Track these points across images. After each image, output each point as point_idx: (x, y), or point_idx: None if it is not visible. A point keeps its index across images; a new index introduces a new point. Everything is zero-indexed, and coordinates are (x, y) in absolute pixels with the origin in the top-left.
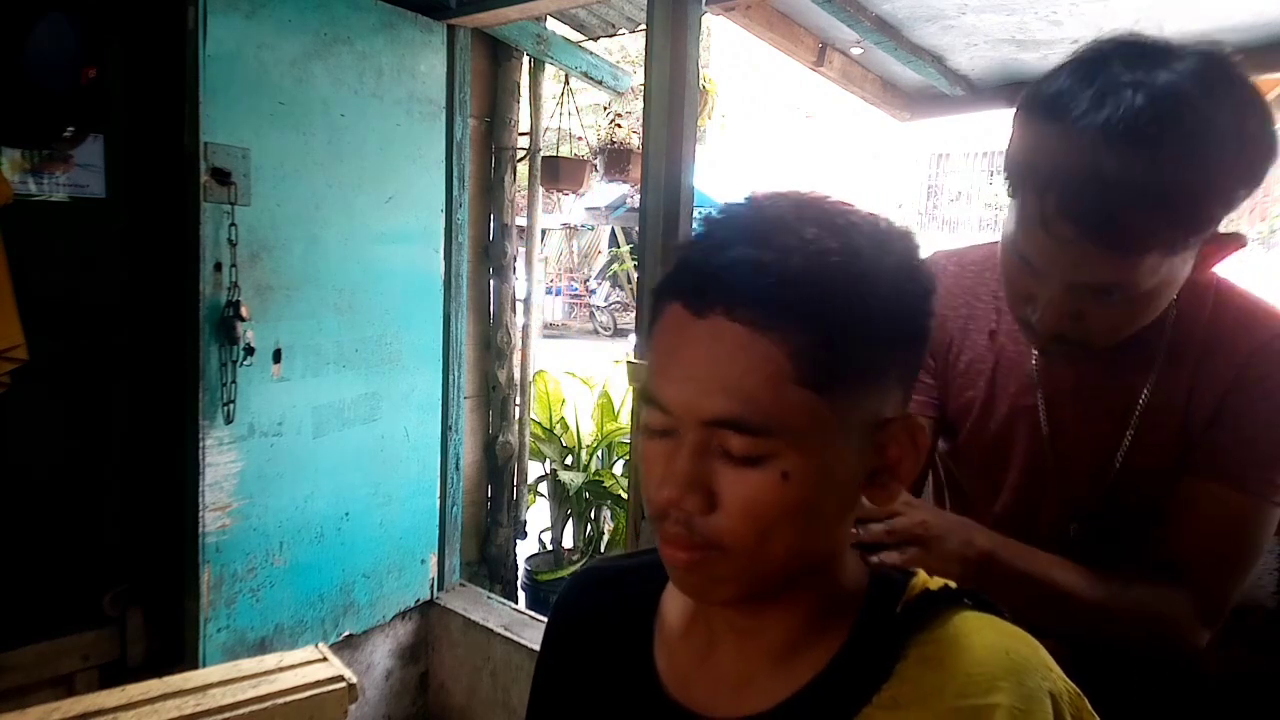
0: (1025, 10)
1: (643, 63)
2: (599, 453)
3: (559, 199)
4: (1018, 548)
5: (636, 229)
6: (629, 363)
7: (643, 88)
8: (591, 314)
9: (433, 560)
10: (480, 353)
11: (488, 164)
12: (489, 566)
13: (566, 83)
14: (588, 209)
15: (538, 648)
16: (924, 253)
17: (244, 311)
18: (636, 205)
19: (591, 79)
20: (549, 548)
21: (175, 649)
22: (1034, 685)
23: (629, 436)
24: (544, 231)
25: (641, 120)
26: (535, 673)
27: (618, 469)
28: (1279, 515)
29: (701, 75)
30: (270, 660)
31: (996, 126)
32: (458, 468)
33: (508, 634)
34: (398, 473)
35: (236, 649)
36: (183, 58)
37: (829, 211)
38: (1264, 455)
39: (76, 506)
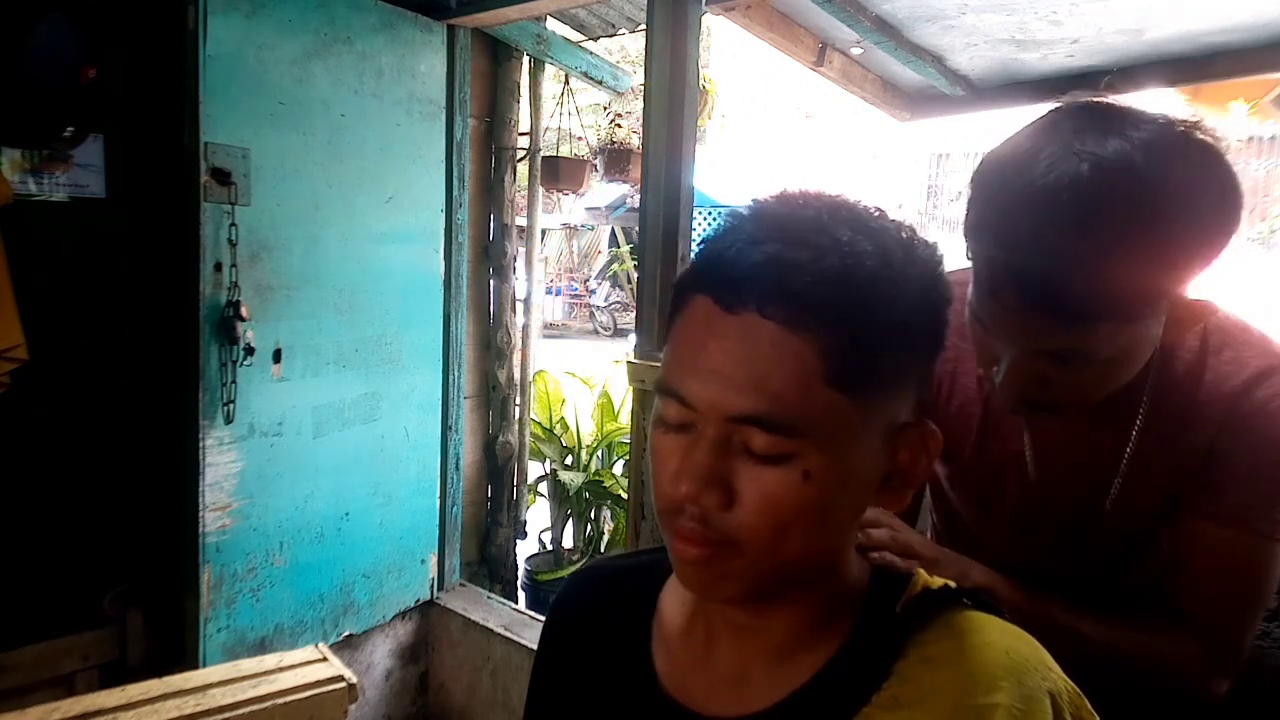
0: (1025, 10)
1: (643, 63)
2: (599, 453)
3: (559, 199)
4: (1015, 585)
5: (636, 229)
6: (629, 363)
7: (643, 88)
8: (591, 314)
9: (433, 560)
10: (480, 353)
11: (488, 164)
12: (489, 566)
13: (566, 83)
14: (588, 209)
15: (537, 647)
16: (944, 262)
17: (244, 311)
18: (636, 205)
19: (591, 79)
20: (549, 548)
21: (175, 649)
22: (1034, 684)
23: (629, 436)
24: (544, 231)
25: (641, 120)
26: (533, 671)
27: (618, 469)
28: None
29: (701, 75)
30: (270, 660)
31: (996, 126)
32: (458, 468)
33: (508, 634)
34: (398, 473)
35: (236, 649)
36: (183, 58)
37: (861, 215)
38: (1263, 493)
39: (76, 506)
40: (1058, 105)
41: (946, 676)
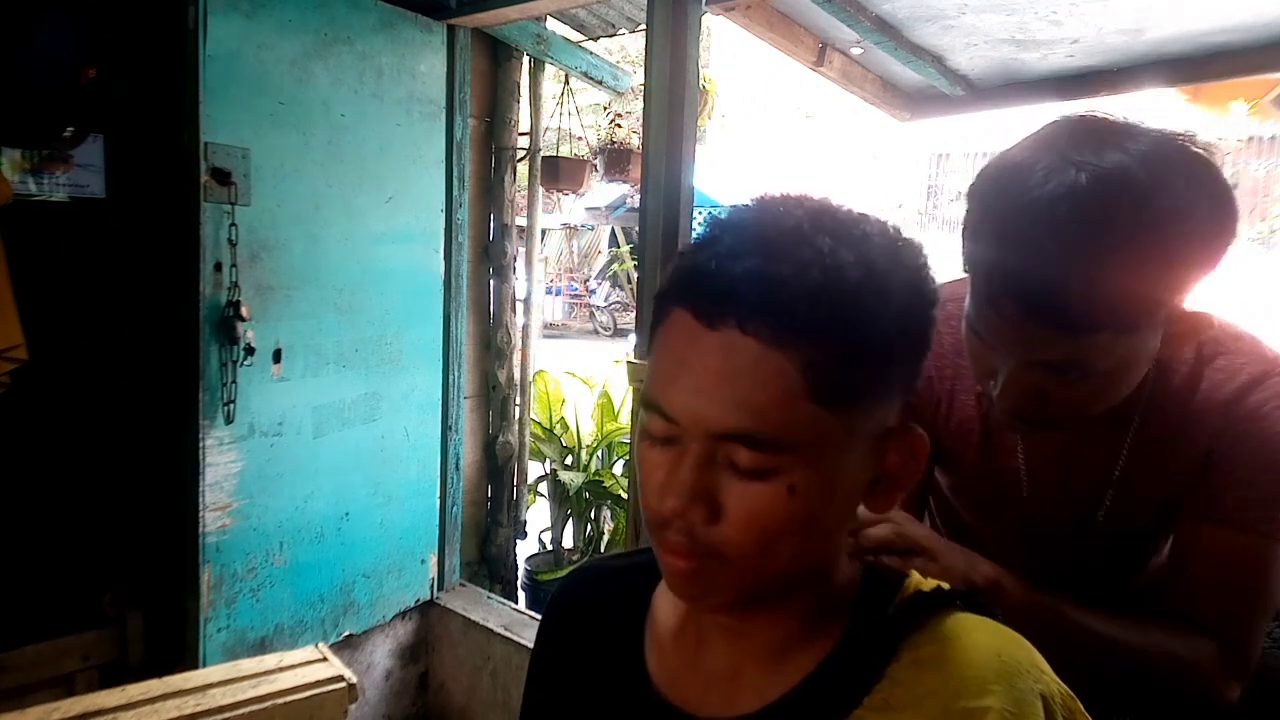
0: (1025, 10)
1: (643, 63)
2: (599, 453)
3: (559, 199)
4: (1022, 581)
5: (636, 229)
6: (629, 363)
7: (643, 88)
8: (591, 314)
9: (433, 560)
10: (480, 353)
11: (488, 164)
12: (489, 566)
13: (566, 83)
14: (588, 209)
15: (533, 646)
16: (931, 261)
17: (244, 311)
18: (636, 205)
19: (591, 79)
20: (549, 548)
21: (175, 649)
22: (1025, 687)
23: (629, 436)
24: (544, 231)
25: (641, 120)
26: (529, 669)
27: (618, 469)
28: None
29: (701, 75)
30: (270, 660)
31: (996, 126)
32: (458, 468)
33: (508, 634)
34: (398, 473)
35: (236, 649)
36: (183, 58)
37: (843, 222)
38: (1263, 494)
39: (77, 506)
40: (1055, 118)
41: (938, 679)
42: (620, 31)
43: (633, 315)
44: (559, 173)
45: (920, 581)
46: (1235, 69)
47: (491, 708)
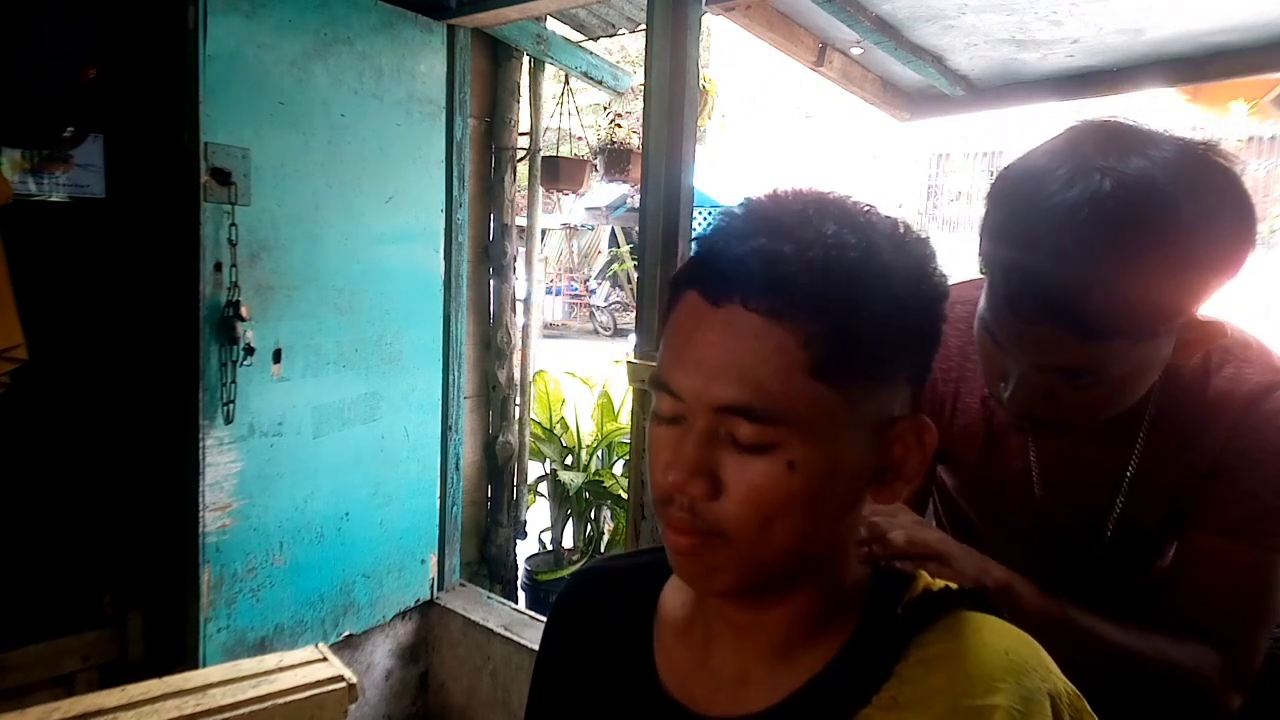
0: (1025, 10)
1: (643, 63)
2: (599, 453)
3: (559, 199)
4: (1034, 585)
5: (636, 229)
6: (629, 363)
7: (643, 88)
8: (591, 314)
9: (433, 560)
10: (480, 353)
11: (488, 164)
12: (489, 566)
13: (566, 83)
14: (588, 209)
15: (538, 647)
16: (941, 259)
17: (244, 311)
18: (636, 205)
19: (591, 79)
20: (549, 548)
21: (175, 649)
22: (1033, 686)
23: (629, 437)
24: (544, 231)
25: (641, 120)
26: (534, 671)
27: (618, 469)
28: None
29: (701, 75)
30: (270, 660)
31: (996, 126)
32: (458, 468)
33: (508, 634)
34: (398, 473)
35: (236, 649)
36: (183, 58)
37: (850, 210)
38: (1268, 506)
39: (77, 506)
40: (1076, 122)
41: (945, 677)
42: (620, 31)
43: (633, 315)
44: (559, 173)
45: (929, 581)
46: (1235, 69)
47: (492, 708)
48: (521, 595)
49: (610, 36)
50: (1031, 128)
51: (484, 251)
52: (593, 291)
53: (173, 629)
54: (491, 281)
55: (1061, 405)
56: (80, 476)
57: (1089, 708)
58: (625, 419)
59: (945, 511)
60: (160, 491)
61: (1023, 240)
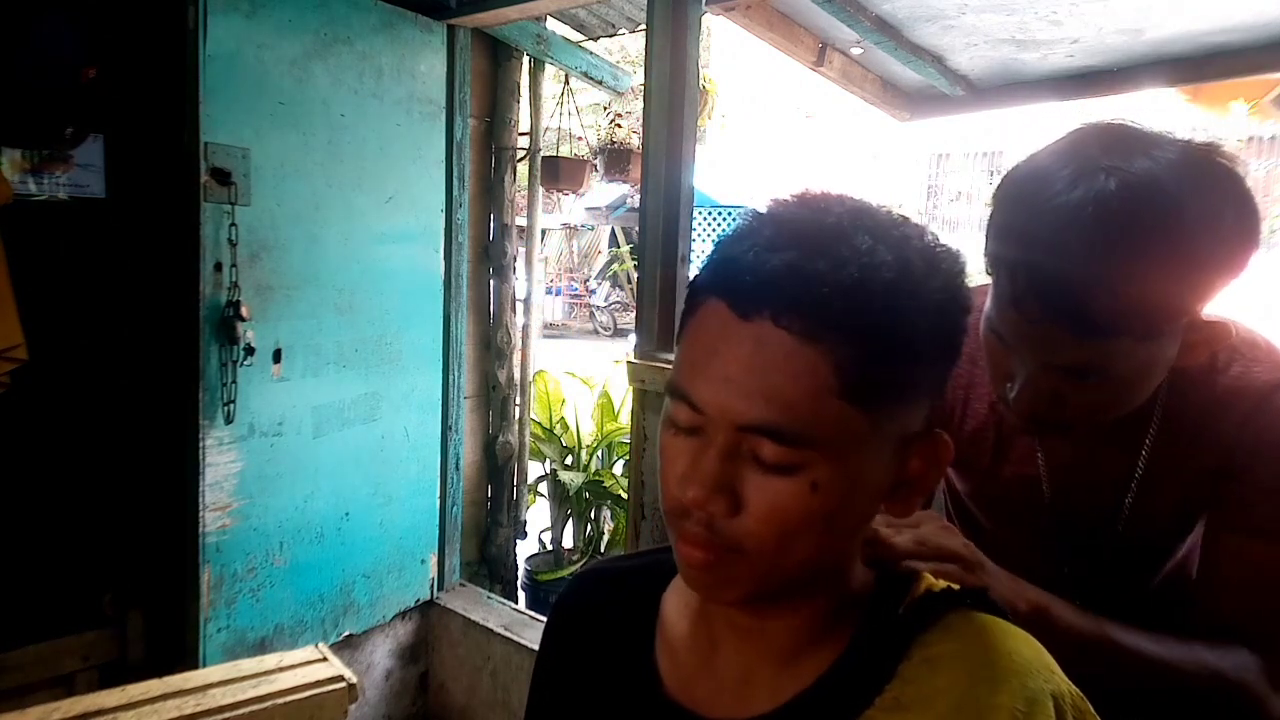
0: (1025, 10)
1: (643, 63)
2: (599, 453)
3: (559, 199)
4: (1071, 605)
5: (636, 229)
6: (629, 363)
7: (643, 88)
8: (591, 314)
9: (433, 560)
10: (480, 353)
11: (488, 164)
12: (489, 566)
13: (566, 83)
14: (588, 209)
15: (538, 648)
16: (967, 269)
17: (244, 311)
18: (636, 205)
19: (591, 79)
20: (549, 548)
21: (175, 649)
22: (1036, 686)
23: (629, 436)
24: (544, 231)
25: (641, 120)
26: (535, 672)
27: (618, 469)
28: None
29: (701, 75)
30: (270, 660)
31: (996, 126)
32: (458, 468)
33: (508, 634)
34: (398, 473)
35: (236, 649)
36: (183, 58)
37: (883, 222)
38: None
39: (77, 506)
40: (1082, 124)
41: (949, 678)
42: (620, 31)
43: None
44: (559, 173)
45: (931, 582)
46: (1235, 69)
47: (492, 708)
48: (521, 595)
49: (610, 36)
50: (1032, 128)
51: (484, 251)
52: (593, 291)
53: (173, 629)
54: (491, 281)
55: (1067, 405)
56: (80, 476)
57: (1091, 708)
58: (625, 419)
59: (955, 514)
60: (160, 491)
61: (1028, 240)
